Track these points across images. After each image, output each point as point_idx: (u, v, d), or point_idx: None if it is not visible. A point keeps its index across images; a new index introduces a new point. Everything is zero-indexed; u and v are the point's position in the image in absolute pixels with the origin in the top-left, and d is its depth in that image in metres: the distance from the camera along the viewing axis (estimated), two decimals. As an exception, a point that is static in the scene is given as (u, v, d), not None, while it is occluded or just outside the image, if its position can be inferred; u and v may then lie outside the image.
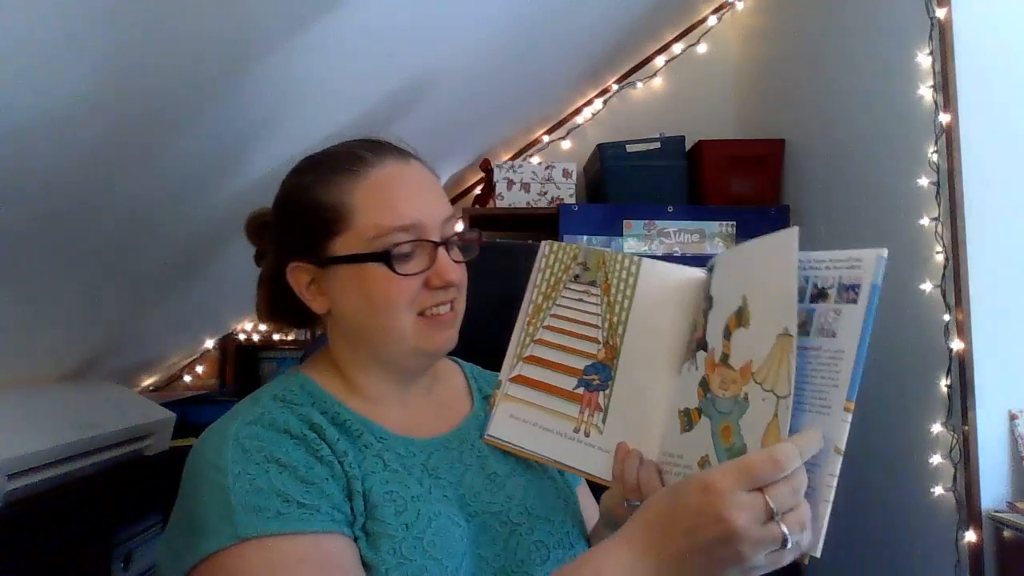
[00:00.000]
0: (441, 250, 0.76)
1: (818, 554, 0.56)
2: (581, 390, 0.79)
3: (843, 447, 0.57)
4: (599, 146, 2.42)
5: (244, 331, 2.60)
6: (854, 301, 0.60)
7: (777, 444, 0.56)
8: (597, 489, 0.87)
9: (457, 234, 0.79)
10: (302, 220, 0.76)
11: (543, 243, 0.83)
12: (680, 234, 2.30)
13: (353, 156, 0.77)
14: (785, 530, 0.52)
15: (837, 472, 0.57)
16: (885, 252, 0.60)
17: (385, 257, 0.73)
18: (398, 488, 0.71)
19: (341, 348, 0.79)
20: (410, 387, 0.81)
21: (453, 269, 0.76)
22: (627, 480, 0.71)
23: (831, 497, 0.56)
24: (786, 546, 0.52)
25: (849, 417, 0.57)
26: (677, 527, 0.55)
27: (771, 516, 0.52)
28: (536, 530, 0.76)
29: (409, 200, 0.75)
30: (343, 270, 0.75)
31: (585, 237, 2.29)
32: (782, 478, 0.53)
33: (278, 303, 0.82)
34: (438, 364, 0.85)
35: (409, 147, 0.82)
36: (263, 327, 2.61)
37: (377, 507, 0.68)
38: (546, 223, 2.38)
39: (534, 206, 2.41)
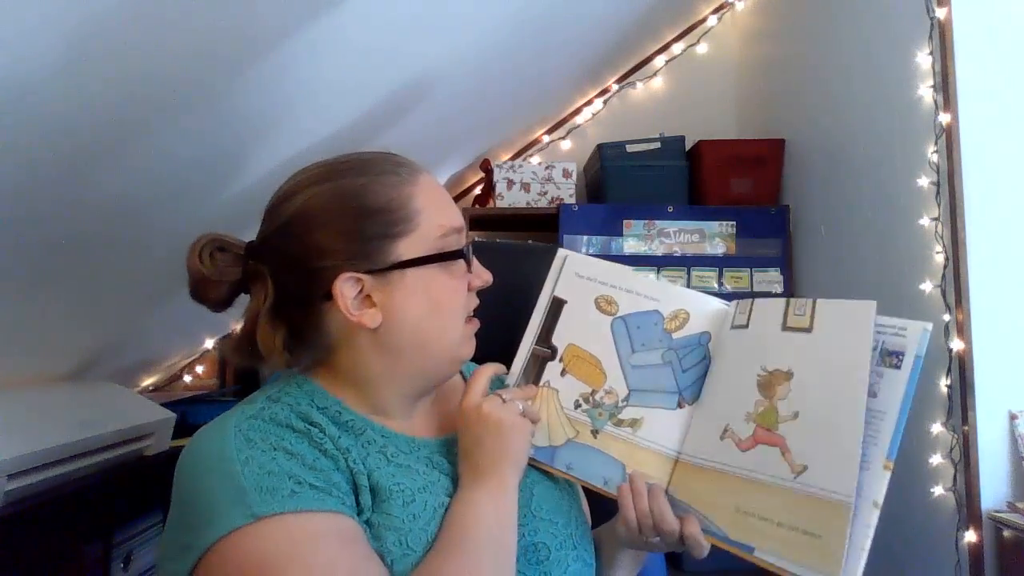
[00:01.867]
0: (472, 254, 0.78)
1: None
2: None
3: (880, 501, 0.63)
4: (599, 146, 2.43)
5: (244, 331, 2.60)
6: (897, 367, 0.66)
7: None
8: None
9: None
10: (361, 224, 0.71)
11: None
12: (680, 234, 2.30)
13: (395, 162, 0.76)
14: (507, 397, 0.76)
15: (873, 523, 0.63)
16: (930, 326, 0.66)
17: (463, 254, 0.74)
18: (405, 480, 0.71)
19: (371, 362, 0.74)
20: (422, 399, 0.80)
21: (487, 271, 0.79)
22: (642, 517, 0.75)
23: (867, 546, 0.62)
24: (518, 407, 0.75)
25: (888, 475, 0.63)
26: (465, 442, 0.74)
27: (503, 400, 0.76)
28: (539, 531, 0.76)
29: (452, 204, 0.77)
30: (407, 274, 0.72)
31: (585, 237, 2.29)
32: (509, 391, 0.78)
33: (297, 332, 0.74)
34: None
35: None
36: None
37: (385, 500, 0.68)
38: (546, 223, 2.38)
39: (534, 206, 2.41)
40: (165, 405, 1.81)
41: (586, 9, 2.04)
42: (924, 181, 1.62)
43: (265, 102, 1.31)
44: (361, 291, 0.71)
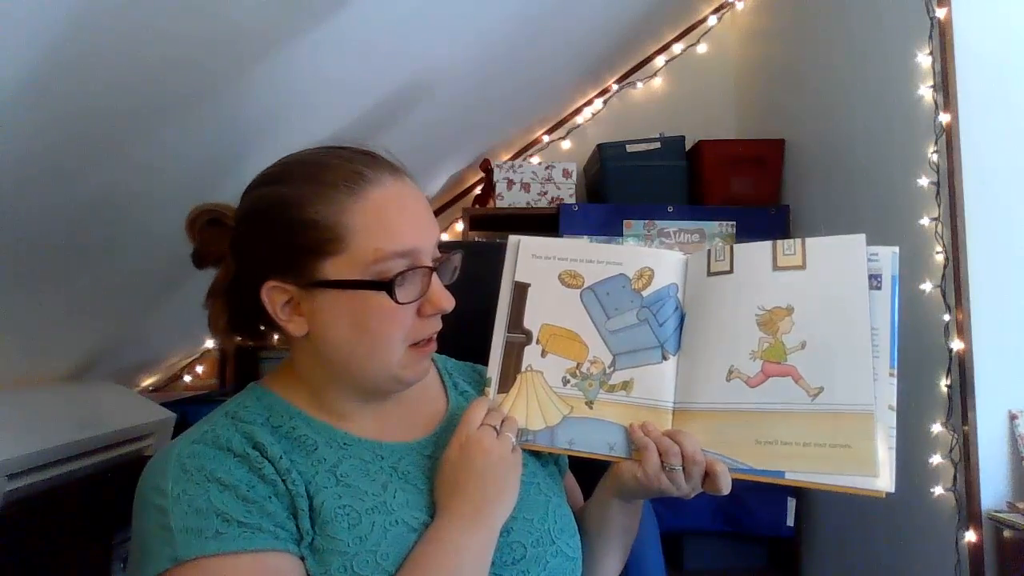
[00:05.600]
0: (434, 276, 0.73)
1: (892, 489, 0.71)
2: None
3: (894, 405, 0.72)
4: (599, 146, 2.43)
5: (244, 331, 2.60)
6: (879, 288, 0.73)
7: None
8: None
9: (443, 254, 0.76)
10: (288, 237, 0.70)
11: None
12: (680, 234, 2.30)
13: (350, 171, 0.71)
14: (497, 426, 0.76)
15: (893, 424, 0.72)
16: (897, 249, 0.74)
17: (388, 286, 0.69)
18: (352, 501, 0.69)
19: (311, 367, 0.75)
20: (380, 403, 0.78)
21: (446, 296, 0.74)
22: (660, 442, 0.76)
23: (893, 444, 0.71)
24: (512, 441, 0.76)
25: (895, 381, 0.72)
26: (461, 476, 0.72)
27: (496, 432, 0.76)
28: (513, 530, 0.74)
29: (408, 223, 0.72)
30: (332, 294, 0.70)
31: (585, 237, 2.29)
32: (490, 417, 0.77)
33: (239, 318, 0.77)
34: None
35: (399, 161, 0.77)
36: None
37: (328, 523, 0.67)
38: (546, 223, 2.38)
39: (534, 206, 2.41)
40: (165, 405, 1.81)
41: (586, 9, 2.04)
42: (924, 181, 1.62)
43: (266, 101, 1.32)
44: (291, 299, 0.72)
